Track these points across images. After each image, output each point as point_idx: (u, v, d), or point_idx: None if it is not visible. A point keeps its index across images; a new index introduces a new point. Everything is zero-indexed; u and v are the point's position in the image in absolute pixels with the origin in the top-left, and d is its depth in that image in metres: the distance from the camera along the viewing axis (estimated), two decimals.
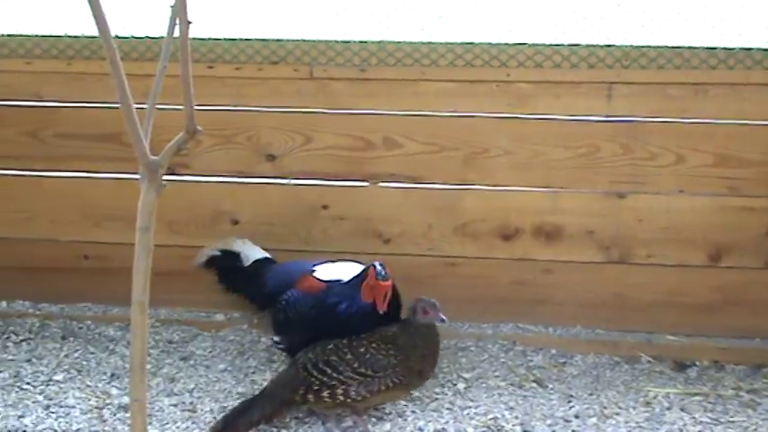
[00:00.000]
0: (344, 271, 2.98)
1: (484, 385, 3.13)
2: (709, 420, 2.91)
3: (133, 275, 2.10)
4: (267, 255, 3.30)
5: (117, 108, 3.27)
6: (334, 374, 2.71)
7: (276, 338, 3.06)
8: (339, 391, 2.70)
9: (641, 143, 3.26)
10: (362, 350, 2.73)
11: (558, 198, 3.35)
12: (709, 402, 3.03)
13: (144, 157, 2.03)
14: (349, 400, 2.70)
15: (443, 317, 2.82)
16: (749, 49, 3.16)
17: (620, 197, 3.31)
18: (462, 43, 3.27)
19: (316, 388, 2.71)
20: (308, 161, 3.41)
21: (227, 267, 3.32)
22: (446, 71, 3.28)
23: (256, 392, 3.03)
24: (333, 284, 2.95)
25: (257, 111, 3.41)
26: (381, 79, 3.32)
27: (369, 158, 3.38)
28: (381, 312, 2.83)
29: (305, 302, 2.97)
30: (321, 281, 2.99)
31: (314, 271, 3.04)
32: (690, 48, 3.18)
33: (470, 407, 2.99)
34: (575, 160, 3.30)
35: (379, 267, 2.81)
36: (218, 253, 3.31)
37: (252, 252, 3.30)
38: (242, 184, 3.48)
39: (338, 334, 2.85)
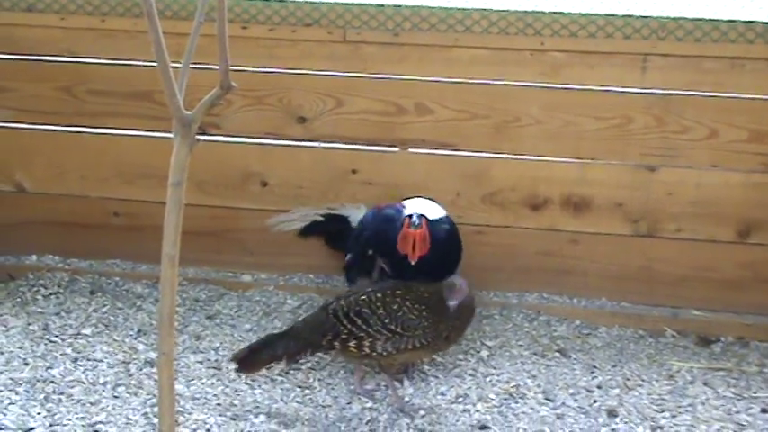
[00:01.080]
0: (423, 206, 3.00)
1: (507, 353, 3.14)
2: (731, 395, 2.91)
3: (164, 229, 2.12)
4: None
5: (150, 66, 3.37)
6: (364, 326, 2.67)
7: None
8: (366, 342, 2.67)
9: (674, 116, 3.23)
10: (395, 307, 2.69)
11: (588, 169, 3.34)
12: (733, 378, 3.02)
13: (178, 111, 2.03)
14: (375, 354, 2.68)
15: (454, 301, 2.74)
16: None
17: (650, 170, 3.29)
18: (497, 10, 3.25)
19: (344, 336, 2.68)
20: (338, 125, 3.41)
21: (335, 231, 3.36)
22: (480, 38, 3.26)
23: None
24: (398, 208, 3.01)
25: (289, 73, 3.41)
26: (414, 44, 3.31)
27: (399, 124, 3.38)
28: (413, 263, 2.83)
29: (370, 218, 3.11)
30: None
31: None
32: (728, 21, 3.14)
33: (493, 374, 3.00)
34: (606, 131, 3.28)
35: (414, 217, 2.83)
36: (321, 218, 3.35)
37: (357, 213, 3.30)
38: (272, 146, 3.48)
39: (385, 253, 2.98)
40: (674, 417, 2.78)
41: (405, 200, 3.08)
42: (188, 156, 2.11)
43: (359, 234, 3.14)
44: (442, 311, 2.71)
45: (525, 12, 3.25)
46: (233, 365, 2.82)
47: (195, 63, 2.05)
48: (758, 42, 3.13)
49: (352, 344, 2.68)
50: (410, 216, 2.85)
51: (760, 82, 3.17)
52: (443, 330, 2.72)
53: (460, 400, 2.83)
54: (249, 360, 2.76)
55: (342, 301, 2.74)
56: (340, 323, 2.69)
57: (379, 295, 2.72)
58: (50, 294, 3.42)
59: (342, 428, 2.67)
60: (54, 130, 3.55)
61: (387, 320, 2.68)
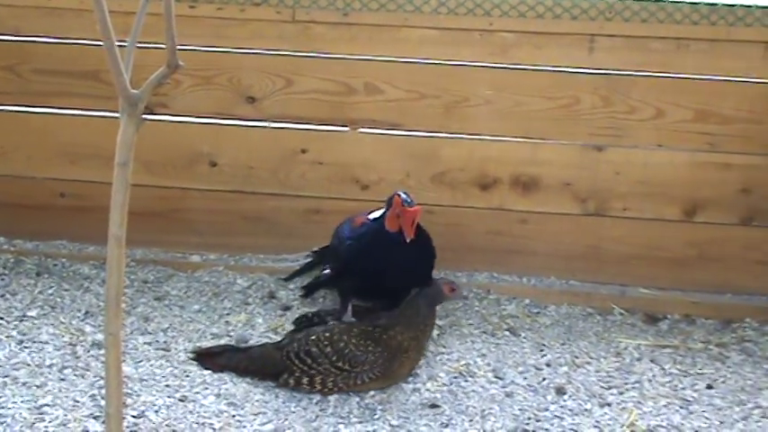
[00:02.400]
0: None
1: (457, 332, 3.16)
2: (678, 372, 2.95)
3: (111, 209, 2.10)
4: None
5: (96, 45, 3.33)
6: (314, 365, 2.73)
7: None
8: (317, 380, 2.73)
9: (622, 96, 3.26)
10: (342, 345, 2.74)
11: (537, 149, 3.36)
12: (679, 355, 3.07)
13: (124, 90, 2.01)
14: (326, 390, 2.73)
15: (465, 293, 2.85)
16: (732, 5, 3.17)
17: (598, 150, 3.32)
18: None
19: (297, 375, 2.74)
20: (288, 105, 3.40)
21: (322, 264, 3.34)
22: (429, 18, 3.27)
23: (230, 333, 3.06)
24: (370, 222, 3.00)
25: (238, 52, 3.39)
26: (364, 24, 3.31)
27: (349, 104, 3.37)
28: (408, 240, 2.83)
29: (345, 229, 3.07)
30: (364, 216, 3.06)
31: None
32: (673, 2, 3.18)
33: (443, 353, 3.01)
34: (555, 111, 3.30)
35: (404, 195, 2.83)
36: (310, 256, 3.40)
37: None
38: (221, 126, 3.46)
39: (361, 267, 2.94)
40: (621, 393, 2.81)
41: (371, 212, 3.06)
42: (135, 135, 2.09)
43: (340, 247, 3.07)
44: (393, 344, 2.75)
45: None
46: (192, 356, 2.88)
47: (142, 42, 2.03)
48: (703, 23, 3.17)
49: (304, 381, 2.73)
50: (397, 194, 2.84)
51: (704, 62, 3.21)
52: (397, 362, 2.76)
53: (410, 379, 2.84)
54: (206, 359, 2.86)
55: (294, 343, 2.78)
56: (293, 364, 2.74)
57: (327, 334, 2.77)
58: None
59: (292, 408, 2.66)
60: None
61: (334, 358, 2.73)
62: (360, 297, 3.01)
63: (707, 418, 2.69)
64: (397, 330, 2.77)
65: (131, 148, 2.09)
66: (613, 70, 3.26)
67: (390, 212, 2.86)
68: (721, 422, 2.67)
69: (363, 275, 2.95)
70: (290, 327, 3.10)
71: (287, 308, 3.25)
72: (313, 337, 2.77)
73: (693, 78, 3.23)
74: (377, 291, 2.98)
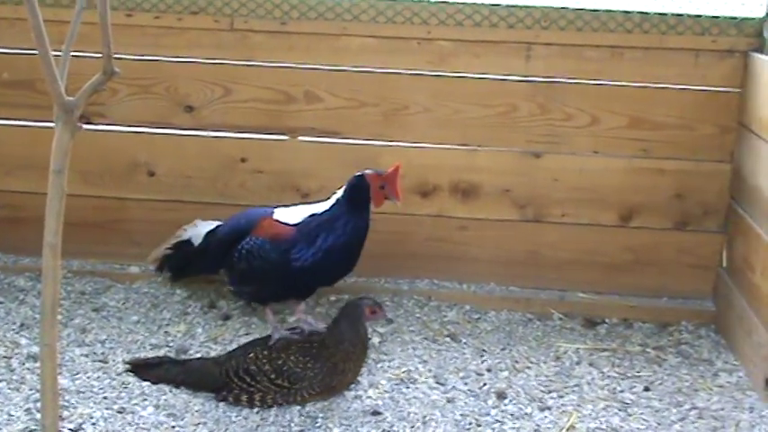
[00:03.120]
0: (306, 212, 2.96)
1: (398, 339, 3.16)
2: (616, 375, 2.99)
3: (45, 218, 2.07)
4: (220, 222, 3.22)
5: (30, 54, 3.28)
6: (253, 383, 2.71)
7: (235, 289, 3.11)
8: (257, 396, 2.71)
9: (558, 104, 3.31)
10: (281, 362, 2.72)
11: (475, 156, 3.39)
12: (617, 358, 3.11)
13: (59, 97, 1.99)
14: (266, 406, 2.71)
15: (388, 315, 2.87)
16: (663, 14, 3.23)
17: (535, 156, 3.36)
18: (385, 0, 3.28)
19: (236, 392, 2.72)
20: (226, 113, 3.39)
21: (181, 259, 3.28)
22: (368, 27, 3.29)
23: (170, 344, 3.03)
24: (307, 221, 2.92)
25: (176, 61, 3.37)
26: (302, 33, 3.32)
27: (288, 112, 3.37)
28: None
29: (273, 249, 2.93)
30: (288, 224, 2.95)
31: (272, 214, 3.01)
32: (607, 11, 3.24)
33: (384, 360, 3.02)
34: (492, 119, 3.33)
35: (369, 170, 2.91)
36: (171, 251, 3.29)
37: (201, 229, 3.24)
38: (159, 135, 3.44)
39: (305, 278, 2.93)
40: (561, 397, 2.84)
41: (270, 214, 3.03)
42: (70, 142, 2.07)
43: (256, 266, 2.98)
44: (330, 359, 2.73)
45: (412, 1, 3.29)
46: (128, 367, 2.85)
47: (78, 50, 2.02)
48: (636, 32, 3.23)
49: (244, 398, 2.72)
50: (365, 173, 2.91)
51: (638, 70, 3.28)
52: (335, 376, 2.75)
53: (352, 387, 2.83)
54: (142, 370, 2.83)
55: (233, 360, 2.76)
56: (231, 381, 2.73)
57: (265, 352, 2.75)
58: None
59: (233, 418, 2.64)
60: None
61: (273, 376, 2.72)
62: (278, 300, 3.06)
63: (645, 420, 2.73)
64: (330, 349, 2.75)
65: (67, 155, 2.07)
66: (549, 78, 3.30)
67: (373, 191, 2.89)
68: (659, 423, 2.71)
69: (313, 281, 2.98)
70: (229, 336, 3.10)
71: (227, 317, 3.23)
72: (251, 355, 2.75)
73: (627, 86, 3.29)
74: (305, 290, 3.02)
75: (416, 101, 3.34)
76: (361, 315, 2.78)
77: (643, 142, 3.32)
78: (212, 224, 3.22)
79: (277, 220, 2.98)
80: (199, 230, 3.23)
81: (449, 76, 3.32)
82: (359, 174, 2.91)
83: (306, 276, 2.92)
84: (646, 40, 3.23)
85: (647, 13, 3.21)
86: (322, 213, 2.92)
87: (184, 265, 3.27)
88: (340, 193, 2.93)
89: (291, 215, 2.98)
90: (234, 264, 3.02)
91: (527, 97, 3.31)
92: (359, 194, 2.91)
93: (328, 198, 2.96)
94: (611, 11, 3.23)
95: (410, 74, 3.33)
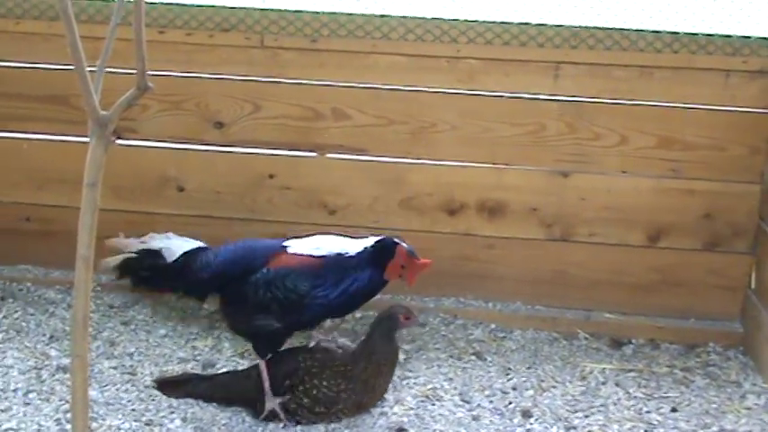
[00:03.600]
0: (324, 244, 2.89)
1: (424, 357, 3.17)
2: (642, 395, 2.98)
3: (79, 230, 2.10)
4: (201, 244, 3.11)
5: (64, 69, 3.33)
6: (293, 418, 2.73)
7: (259, 322, 2.84)
8: (294, 421, 2.74)
9: (586, 123, 3.31)
10: (315, 392, 2.73)
11: (503, 174, 3.39)
12: (644, 378, 3.10)
13: (94, 111, 2.02)
14: (300, 427, 2.74)
15: (420, 320, 2.86)
16: (694, 34, 3.22)
17: (563, 176, 3.36)
18: (414, 17, 3.29)
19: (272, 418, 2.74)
20: (256, 130, 3.41)
21: (147, 268, 3.11)
22: (397, 45, 3.30)
23: (197, 357, 3.05)
24: (335, 258, 2.84)
25: (207, 77, 3.40)
26: (332, 50, 3.33)
27: (317, 129, 3.39)
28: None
29: (301, 279, 2.81)
30: (313, 256, 2.85)
31: (286, 248, 2.91)
32: (637, 30, 3.23)
33: (409, 377, 3.02)
34: (520, 138, 3.33)
35: (406, 245, 2.84)
36: (135, 255, 3.12)
37: (175, 244, 3.11)
38: (189, 151, 3.46)
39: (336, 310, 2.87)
40: (587, 417, 2.84)
41: (282, 247, 2.93)
42: (103, 156, 2.10)
43: (283, 297, 2.83)
44: (361, 377, 2.74)
45: (442, 19, 3.29)
46: (154, 385, 2.86)
47: (111, 66, 2.04)
48: (666, 51, 3.22)
49: (281, 425, 2.73)
50: (400, 244, 2.84)
51: (668, 89, 3.26)
52: (367, 393, 2.77)
53: (378, 403, 2.84)
54: (170, 387, 2.84)
55: (268, 402, 2.73)
56: (270, 420, 2.73)
57: (301, 388, 2.73)
58: None
59: None
60: None
61: (314, 408, 2.73)
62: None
63: None
64: (362, 365, 2.76)
65: (100, 169, 2.09)
66: (578, 97, 3.30)
67: (394, 263, 2.83)
68: None
69: (322, 317, 2.93)
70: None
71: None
72: (289, 396, 2.73)
73: (657, 105, 3.28)
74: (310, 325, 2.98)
75: (444, 119, 3.34)
76: (396, 324, 2.78)
77: (672, 162, 3.31)
78: (189, 242, 3.11)
79: (295, 253, 2.89)
80: (171, 244, 3.10)
81: (477, 95, 3.33)
82: (395, 240, 2.85)
83: (321, 312, 2.86)
84: (675, 59, 3.22)
85: (677, 32, 3.20)
86: (352, 256, 2.84)
87: (148, 276, 3.13)
88: (369, 243, 2.86)
89: (309, 247, 2.90)
90: (247, 296, 2.86)
91: (555, 116, 3.31)
92: (383, 257, 2.84)
93: (342, 236, 2.94)
94: (640, 30, 3.22)
95: (439, 92, 3.34)
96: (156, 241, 3.14)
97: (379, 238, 2.89)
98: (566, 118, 3.31)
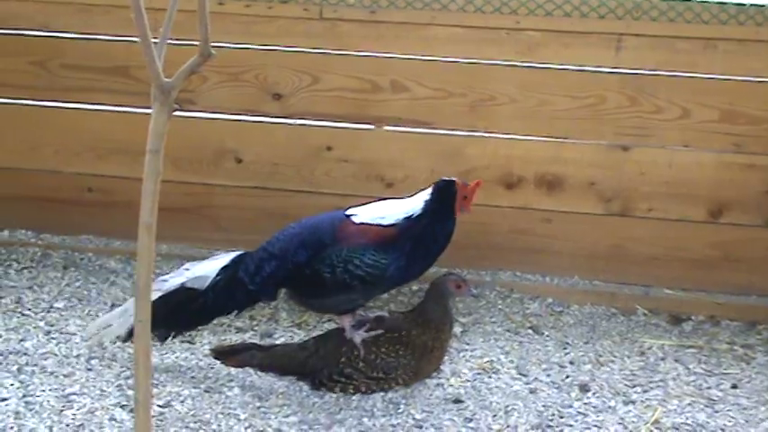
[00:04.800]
0: (388, 211, 2.77)
1: (480, 330, 3.16)
2: (702, 371, 2.95)
3: (142, 197, 2.11)
4: (228, 255, 2.83)
5: (124, 41, 3.35)
6: (348, 381, 2.73)
7: (342, 301, 2.75)
8: (351, 388, 2.74)
9: (648, 96, 3.26)
10: (373, 357, 2.73)
11: (562, 148, 3.36)
12: (704, 355, 3.06)
13: (157, 78, 2.03)
14: (359, 394, 2.74)
15: (474, 290, 2.84)
16: (761, 5, 3.16)
17: (623, 149, 3.32)
18: None
19: (330, 386, 2.74)
20: (314, 102, 3.42)
21: (177, 311, 2.73)
22: (456, 16, 3.28)
23: (254, 328, 3.08)
24: (405, 223, 2.71)
25: (265, 49, 3.41)
26: (391, 22, 3.32)
27: (375, 101, 3.38)
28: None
29: (380, 254, 2.69)
30: (382, 226, 2.72)
31: (350, 217, 2.76)
32: (701, 2, 3.18)
33: (466, 350, 3.02)
34: (580, 111, 3.30)
35: (456, 178, 2.77)
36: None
37: (205, 269, 2.79)
38: (247, 123, 3.48)
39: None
40: (645, 392, 2.81)
41: (346, 214, 2.80)
42: (166, 123, 2.11)
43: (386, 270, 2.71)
44: (419, 343, 2.74)
45: None
46: (212, 354, 2.85)
47: (171, 38, 2.04)
48: (731, 23, 3.16)
49: (337, 389, 2.74)
50: (455, 180, 2.76)
51: (732, 63, 3.21)
52: (425, 359, 2.76)
53: (434, 375, 2.84)
54: (227, 356, 2.82)
55: (325, 369, 2.73)
56: (325, 386, 2.74)
57: (356, 352, 2.73)
58: (23, 269, 3.39)
59: (316, 402, 2.67)
60: (28, 105, 3.52)
61: (369, 372, 2.73)
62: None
63: (732, 417, 2.68)
64: (419, 331, 2.76)
65: (163, 136, 2.11)
66: (640, 70, 3.25)
67: (458, 198, 2.74)
68: (746, 421, 2.66)
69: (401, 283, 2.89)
70: (313, 322, 3.13)
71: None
72: (343, 359, 2.74)
73: (720, 78, 3.23)
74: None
75: (504, 91, 3.32)
76: (448, 291, 2.77)
77: (735, 137, 3.26)
78: (216, 260, 2.83)
79: (363, 223, 2.75)
80: (195, 272, 2.78)
81: (537, 67, 3.30)
82: (448, 179, 2.78)
83: (404, 277, 2.80)
84: (741, 31, 3.16)
85: (743, 4, 3.15)
86: (420, 215, 2.72)
87: (183, 318, 2.77)
88: (426, 195, 2.76)
89: (374, 216, 2.76)
90: (323, 278, 2.71)
91: (616, 89, 3.27)
92: (447, 199, 2.74)
93: (402, 197, 2.85)
94: (705, 1, 3.17)
95: (498, 64, 3.31)
96: (168, 283, 2.77)
97: (430, 187, 2.77)
98: (627, 91, 3.27)
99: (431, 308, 2.77)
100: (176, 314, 2.71)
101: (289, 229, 2.82)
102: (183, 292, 2.73)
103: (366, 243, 2.70)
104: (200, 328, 2.95)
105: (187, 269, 2.80)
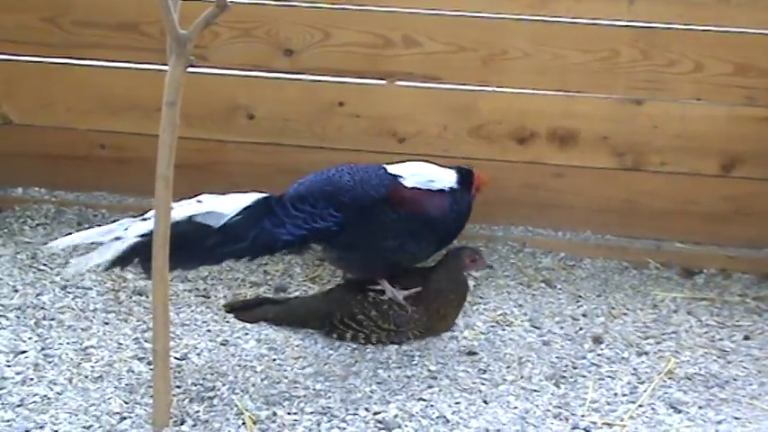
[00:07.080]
0: (436, 175, 2.88)
1: (493, 284, 3.18)
2: (714, 323, 2.97)
3: (158, 149, 2.13)
4: (252, 196, 2.74)
5: None
6: (359, 328, 2.76)
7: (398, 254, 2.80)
8: (362, 336, 2.77)
9: (661, 49, 3.24)
10: (386, 307, 2.77)
11: (574, 102, 3.35)
12: (716, 307, 3.08)
13: (173, 29, 2.04)
14: (370, 344, 2.77)
15: (489, 263, 2.90)
16: None
17: (636, 103, 3.31)
18: None
19: (341, 331, 2.78)
20: (325, 57, 3.40)
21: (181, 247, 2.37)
22: None
23: (268, 282, 3.10)
24: (452, 192, 2.87)
25: (277, 5, 3.39)
26: None
27: (387, 56, 3.37)
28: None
29: (446, 222, 2.87)
30: (432, 191, 2.83)
31: (397, 177, 2.81)
32: None
33: (479, 303, 3.04)
34: (593, 64, 3.29)
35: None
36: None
37: (224, 206, 2.65)
38: (259, 79, 3.46)
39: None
40: (658, 343, 2.83)
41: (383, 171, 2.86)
42: (183, 75, 2.12)
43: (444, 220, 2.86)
44: (433, 303, 2.79)
45: None
46: (227, 308, 2.91)
47: None
48: None
49: (348, 335, 2.77)
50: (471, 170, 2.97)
51: (746, 15, 3.18)
52: (437, 317, 2.81)
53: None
54: (241, 311, 2.89)
55: (338, 312, 2.78)
56: (336, 329, 2.78)
57: (369, 299, 2.78)
58: (37, 225, 3.41)
59: (331, 354, 2.70)
60: (40, 62, 3.51)
61: (380, 321, 2.76)
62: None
63: (745, 368, 2.70)
64: (433, 293, 2.81)
65: (179, 87, 2.12)
66: (653, 23, 3.23)
67: (475, 186, 2.96)
68: (759, 371, 2.69)
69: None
70: (327, 276, 3.15)
71: (323, 258, 3.27)
72: (357, 308, 2.78)
73: (734, 32, 3.21)
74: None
75: (516, 46, 3.30)
76: (461, 264, 2.82)
77: (748, 90, 3.24)
78: (225, 201, 2.67)
79: (416, 188, 2.81)
80: (206, 209, 2.60)
81: (549, 21, 3.27)
82: (469, 168, 2.97)
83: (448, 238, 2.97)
84: None
85: None
86: (455, 188, 2.88)
87: (185, 254, 2.50)
88: (454, 173, 2.91)
89: (423, 180, 2.84)
90: (376, 240, 2.76)
91: (629, 42, 3.25)
92: (468, 182, 2.93)
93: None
94: None
95: (510, 18, 3.29)
96: (182, 209, 2.55)
97: (453, 168, 2.94)
98: (639, 44, 3.25)
99: (441, 276, 2.82)
100: (180, 249, 2.31)
101: (328, 174, 2.83)
102: (190, 225, 2.54)
103: (429, 211, 2.81)
104: (205, 268, 3.04)
105: (200, 201, 2.62)
